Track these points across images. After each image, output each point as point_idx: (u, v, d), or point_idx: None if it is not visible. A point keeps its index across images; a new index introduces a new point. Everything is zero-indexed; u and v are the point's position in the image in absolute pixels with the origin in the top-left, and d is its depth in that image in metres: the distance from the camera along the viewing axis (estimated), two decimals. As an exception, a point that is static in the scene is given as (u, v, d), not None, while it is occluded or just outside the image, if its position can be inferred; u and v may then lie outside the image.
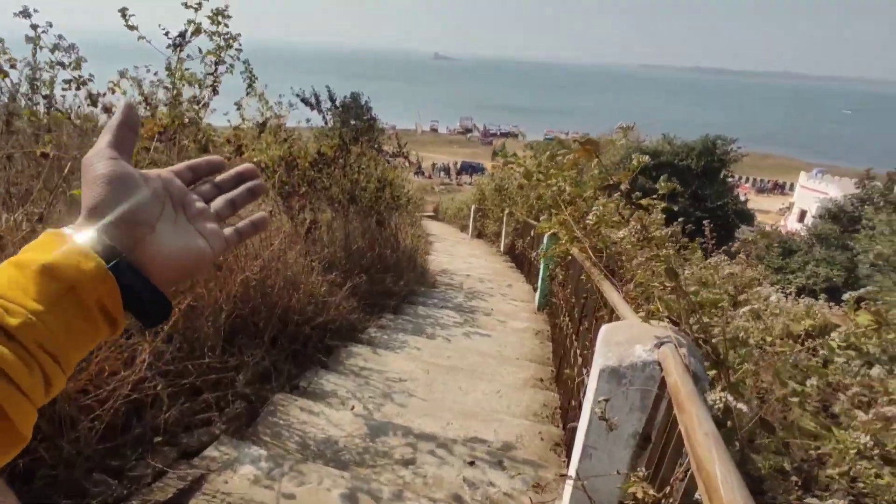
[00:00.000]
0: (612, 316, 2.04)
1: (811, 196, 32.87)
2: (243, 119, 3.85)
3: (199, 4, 2.64)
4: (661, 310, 1.28)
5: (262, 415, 2.74)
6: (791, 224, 33.09)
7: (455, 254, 10.53)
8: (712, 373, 1.27)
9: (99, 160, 0.50)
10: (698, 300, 1.17)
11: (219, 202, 0.61)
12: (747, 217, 18.07)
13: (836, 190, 28.26)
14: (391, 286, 5.51)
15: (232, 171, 0.64)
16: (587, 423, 1.33)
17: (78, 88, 2.86)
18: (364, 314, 4.61)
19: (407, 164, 8.34)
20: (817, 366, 1.18)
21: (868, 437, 1.07)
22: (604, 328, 1.41)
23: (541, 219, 3.92)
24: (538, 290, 6.29)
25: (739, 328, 1.19)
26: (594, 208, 2.23)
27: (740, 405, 0.90)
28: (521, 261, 8.92)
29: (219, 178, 0.63)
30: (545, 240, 6.06)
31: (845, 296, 1.26)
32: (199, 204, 0.59)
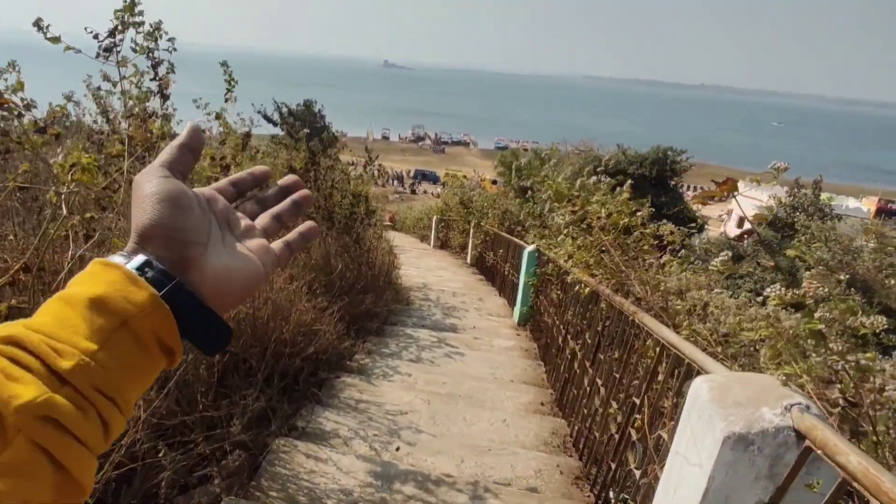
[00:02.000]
0: (663, 354, 1.94)
1: (748, 203, 34.68)
2: (227, 132, 3.55)
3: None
4: (799, 373, 1.17)
5: (264, 465, 2.48)
6: (732, 230, 34.79)
7: (422, 266, 10.34)
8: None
9: (149, 178, 0.47)
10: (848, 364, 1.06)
11: (264, 218, 0.58)
12: (699, 225, 18.73)
13: (771, 198, 29.92)
14: (372, 307, 5.27)
15: (276, 187, 0.61)
16: (702, 492, 1.19)
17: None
18: (350, 340, 4.36)
19: (375, 175, 8.12)
20: None
21: None
22: (707, 384, 1.29)
23: (557, 238, 3.82)
24: (517, 305, 6.20)
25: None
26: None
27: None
28: (493, 274, 8.83)
29: (261, 194, 0.60)
30: (525, 255, 5.98)
31: None
32: (245, 221, 0.56)
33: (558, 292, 4.18)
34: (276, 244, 0.57)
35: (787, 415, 1.12)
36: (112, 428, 0.40)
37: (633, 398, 2.18)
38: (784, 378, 1.13)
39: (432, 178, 49.29)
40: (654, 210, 3.11)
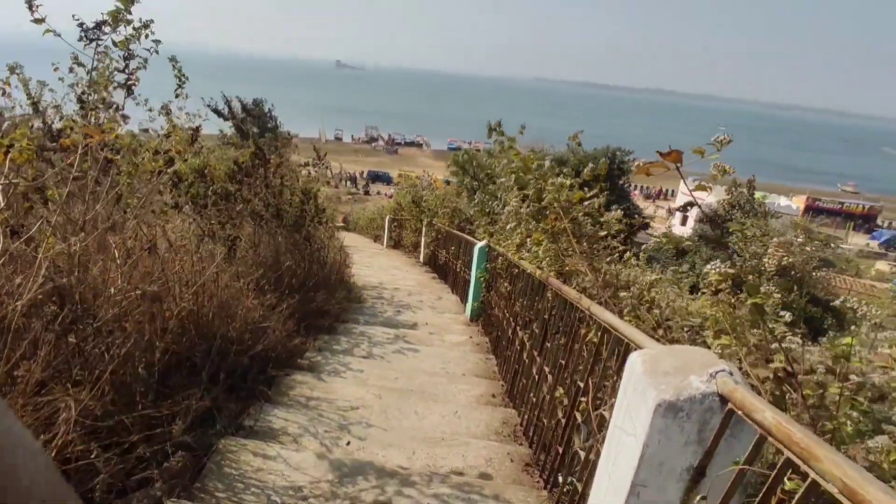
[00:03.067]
0: (605, 336, 2.00)
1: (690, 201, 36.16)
2: (174, 126, 3.41)
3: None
4: (731, 344, 1.23)
5: (209, 465, 2.41)
6: (677, 227, 36.19)
7: (375, 265, 10.27)
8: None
9: None
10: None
11: None
12: (644, 222, 19.59)
13: (713, 196, 31.36)
14: (323, 305, 5.20)
15: None
16: (637, 460, 1.24)
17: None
18: (301, 337, 4.29)
19: (324, 173, 8.00)
20: None
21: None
22: (640, 357, 1.34)
23: (505, 231, 3.86)
24: (469, 301, 6.25)
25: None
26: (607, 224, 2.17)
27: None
28: (445, 271, 8.87)
29: None
30: (476, 251, 6.04)
31: (883, 335, 1.29)
32: None
33: (507, 285, 4.25)
34: None
35: (712, 381, 1.19)
36: None
37: (578, 382, 2.24)
38: (720, 350, 1.20)
39: (385, 179, 49.00)
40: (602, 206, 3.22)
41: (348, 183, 48.55)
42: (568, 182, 2.89)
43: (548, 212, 2.80)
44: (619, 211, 2.34)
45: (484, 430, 3.27)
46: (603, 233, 2.19)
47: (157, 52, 2.57)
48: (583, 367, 2.25)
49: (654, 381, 1.24)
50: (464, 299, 6.84)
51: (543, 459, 2.73)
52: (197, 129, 3.19)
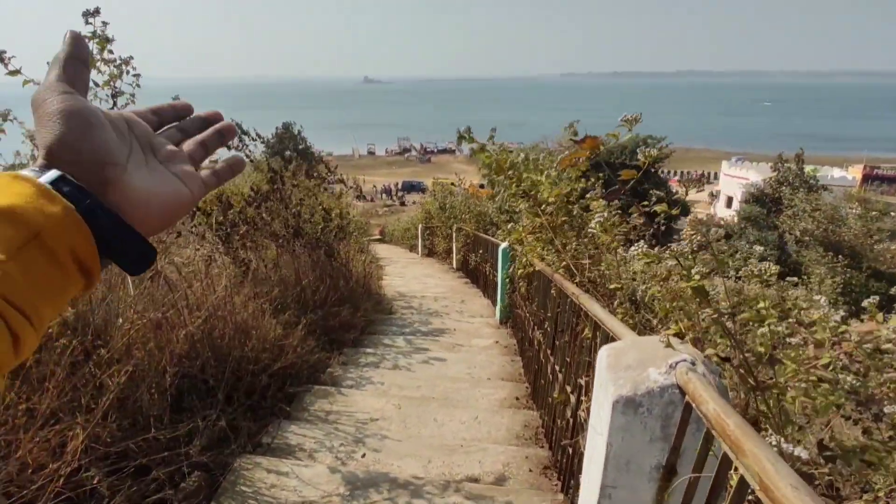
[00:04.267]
0: (597, 331, 1.93)
1: (735, 182, 34.86)
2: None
3: (93, 34, 2.34)
4: (684, 329, 1.16)
5: (224, 484, 2.45)
6: (720, 211, 34.87)
7: (408, 275, 10.33)
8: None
9: (51, 95, 0.44)
10: (742, 318, 1.06)
11: (189, 145, 0.56)
12: (684, 208, 18.92)
13: (756, 175, 30.10)
14: (348, 318, 5.25)
15: (195, 116, 0.59)
16: (603, 460, 1.18)
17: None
18: (324, 352, 4.34)
19: (346, 188, 8.11)
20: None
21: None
22: (606, 351, 1.28)
23: (509, 228, 3.81)
24: (498, 304, 6.19)
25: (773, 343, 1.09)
26: (596, 216, 2.10)
27: (797, 450, 0.78)
28: (476, 275, 8.83)
29: (182, 123, 0.58)
30: (500, 253, 5.99)
31: (865, 302, 1.19)
32: (170, 146, 0.54)
33: (525, 284, 4.18)
34: (205, 172, 0.55)
35: (671, 373, 1.11)
36: (23, 342, 0.38)
37: (580, 380, 2.17)
38: (669, 337, 1.13)
39: (420, 188, 49.35)
40: (636, 198, 3.09)
41: (384, 196, 49.18)
42: (552, 174, 2.81)
43: (544, 207, 2.73)
44: (613, 205, 2.24)
45: (505, 435, 3.21)
46: (592, 225, 2.11)
47: (138, 85, 2.66)
48: (586, 364, 2.17)
49: (614, 376, 1.18)
50: (494, 302, 6.78)
51: (561, 461, 2.65)
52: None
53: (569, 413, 2.38)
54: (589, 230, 2.48)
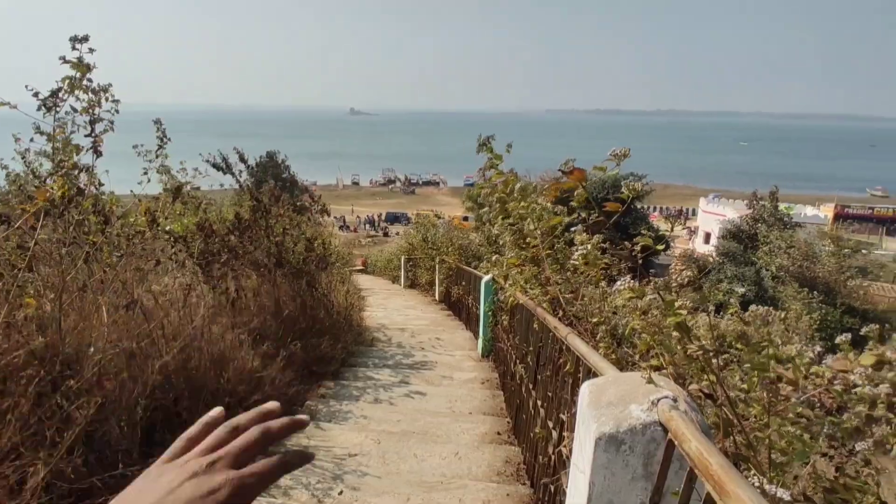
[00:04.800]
0: (579, 366, 1.92)
1: (712, 219, 35.65)
2: (164, 185, 3.52)
3: (80, 59, 2.35)
4: (665, 364, 1.16)
5: (193, 524, 2.35)
6: (698, 246, 35.49)
7: (390, 307, 10.25)
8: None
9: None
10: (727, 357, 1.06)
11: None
12: (665, 243, 19.23)
13: (733, 212, 30.83)
14: (328, 350, 5.17)
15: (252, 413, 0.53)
16: (586, 499, 1.16)
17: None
18: (303, 384, 4.26)
19: (328, 218, 8.08)
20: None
21: None
22: (588, 387, 1.27)
23: (492, 260, 3.83)
24: (480, 337, 6.16)
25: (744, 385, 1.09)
26: (579, 248, 2.11)
27: (780, 492, 0.78)
28: (459, 307, 8.79)
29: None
30: (482, 285, 5.99)
31: (838, 339, 1.21)
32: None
33: (507, 317, 4.17)
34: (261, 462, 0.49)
35: (653, 410, 1.11)
36: None
37: (562, 415, 2.15)
38: (649, 371, 1.13)
39: (404, 220, 49.51)
40: (618, 232, 3.12)
41: (367, 226, 49.17)
42: (542, 204, 2.84)
43: (528, 239, 2.75)
44: (596, 238, 2.26)
45: (485, 471, 3.14)
46: (575, 257, 2.12)
47: (117, 111, 2.66)
48: (567, 399, 2.15)
49: (596, 413, 1.17)
50: (476, 335, 6.74)
51: (542, 499, 2.60)
52: (178, 189, 3.26)
53: (551, 449, 2.35)
54: (571, 263, 2.50)
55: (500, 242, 3.82)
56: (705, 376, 1.13)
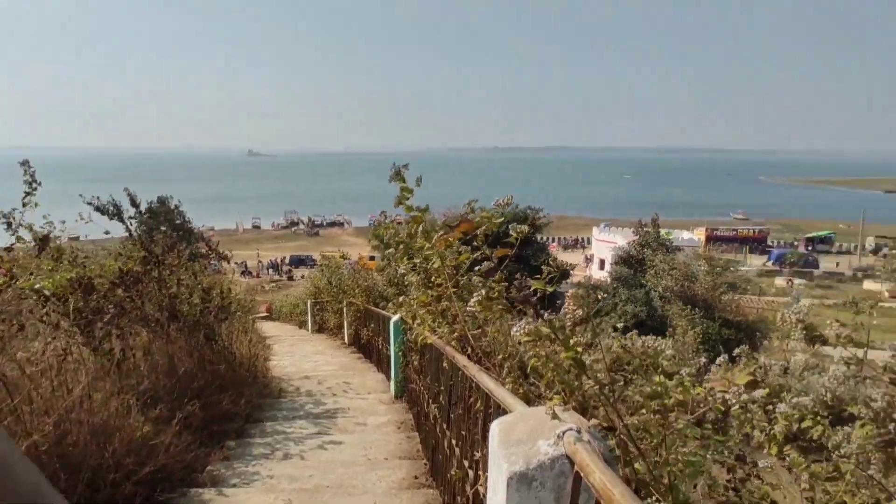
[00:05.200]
0: (489, 402, 1.95)
1: (605, 246, 38.30)
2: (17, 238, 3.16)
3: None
4: (568, 399, 1.21)
5: None
6: (595, 273, 37.80)
7: (298, 354, 9.83)
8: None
9: None
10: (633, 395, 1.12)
11: None
12: (565, 273, 20.48)
13: (622, 239, 33.33)
14: (231, 407, 4.83)
15: None
16: (503, 542, 1.16)
17: None
18: (203, 448, 3.92)
19: (228, 264, 7.70)
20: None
21: None
22: (497, 426, 1.29)
23: (399, 301, 3.81)
24: (392, 378, 6.06)
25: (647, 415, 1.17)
26: (475, 295, 2.15)
27: None
28: (369, 350, 8.63)
29: None
30: (391, 326, 5.93)
31: (718, 359, 1.33)
32: None
33: (417, 357, 4.16)
34: None
35: (560, 443, 1.15)
36: None
37: (476, 454, 2.16)
38: (554, 408, 1.17)
39: (309, 262, 48.14)
40: (520, 264, 3.23)
41: (271, 271, 47.27)
42: (449, 241, 2.90)
43: (434, 278, 2.79)
44: (491, 282, 2.34)
45: (404, 519, 3.06)
46: (472, 303, 2.18)
47: None
48: (479, 438, 2.17)
49: (506, 452, 1.19)
50: (389, 377, 6.63)
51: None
52: (45, 239, 2.96)
53: (468, 489, 2.34)
54: (474, 300, 2.56)
55: (406, 282, 3.83)
56: (609, 413, 1.20)
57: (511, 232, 1.92)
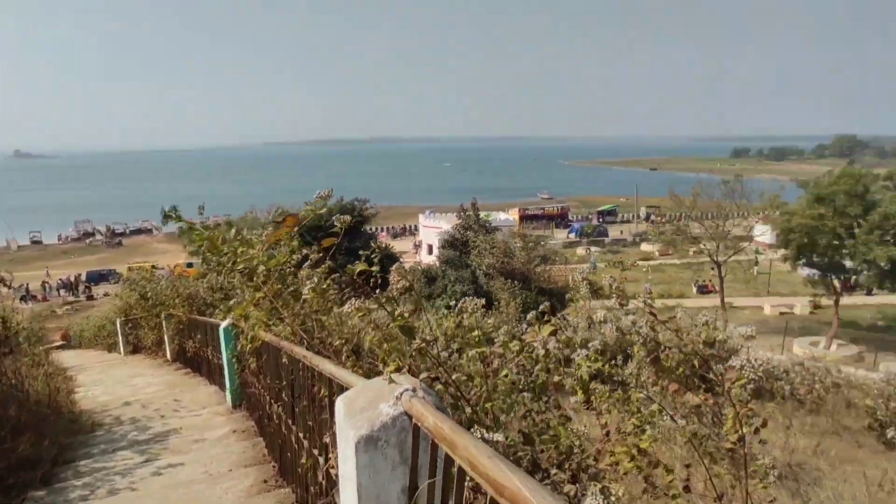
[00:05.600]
0: (332, 386, 2.04)
1: (431, 232, 40.07)
2: None
3: None
4: (402, 364, 1.35)
5: None
6: (425, 258, 39.38)
7: (111, 380, 8.70)
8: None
9: None
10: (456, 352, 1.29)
11: None
12: (394, 259, 21.08)
13: (447, 224, 35.21)
14: (31, 452, 4.16)
15: None
16: (356, 501, 1.28)
17: None
18: (-2, 505, 3.35)
19: (6, 289, 6.52)
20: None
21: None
22: (341, 401, 1.40)
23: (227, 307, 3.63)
24: (227, 387, 5.74)
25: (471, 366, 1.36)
26: (308, 282, 2.18)
27: (496, 436, 1.03)
28: (198, 362, 7.99)
29: None
30: (221, 333, 5.60)
31: (528, 316, 1.59)
32: None
33: (255, 359, 4.04)
34: None
35: (398, 403, 1.30)
36: None
37: (326, 440, 2.23)
38: (390, 374, 1.31)
39: (112, 277, 42.10)
40: (350, 256, 3.25)
41: (62, 292, 40.43)
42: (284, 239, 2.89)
43: (262, 279, 2.75)
44: (320, 270, 2.41)
45: (257, 525, 3.00)
46: (306, 291, 2.24)
47: None
48: (328, 420, 2.24)
49: (352, 422, 1.30)
50: (223, 387, 6.25)
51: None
52: None
53: (320, 476, 2.40)
54: (306, 292, 2.60)
55: (230, 287, 3.68)
56: (435, 367, 1.37)
57: (335, 223, 2.01)
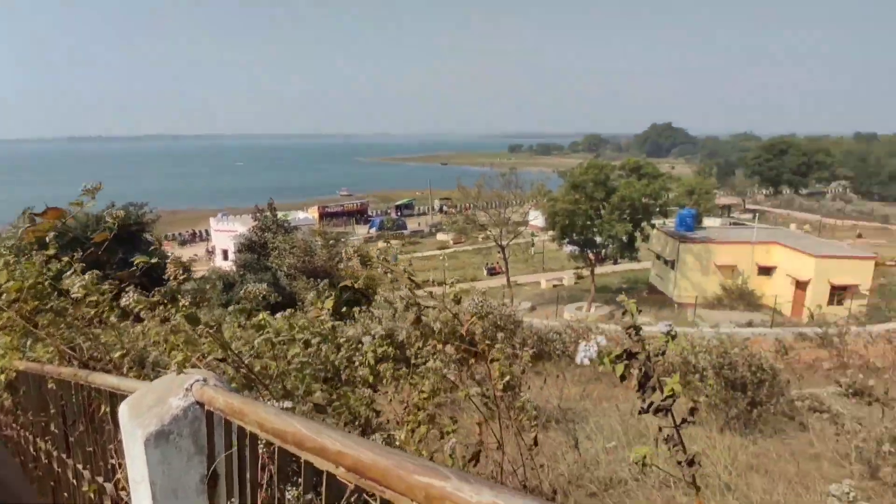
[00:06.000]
0: (116, 398, 1.90)
1: (226, 236, 37.21)
2: None
3: None
4: (191, 355, 1.35)
5: None
6: (220, 264, 36.41)
7: None
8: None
9: None
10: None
11: None
12: (186, 268, 19.07)
13: (242, 226, 33.04)
14: None
15: None
16: (152, 501, 1.28)
17: None
18: None
19: None
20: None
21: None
22: (125, 405, 1.36)
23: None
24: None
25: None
26: (77, 282, 1.95)
27: (285, 403, 1.14)
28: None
29: None
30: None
31: (308, 298, 1.69)
32: None
33: (9, 395, 3.42)
34: None
35: (189, 394, 1.32)
36: None
37: (111, 460, 2.06)
38: (178, 364, 1.33)
39: None
40: (127, 267, 2.89)
41: None
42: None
43: (7, 300, 2.38)
44: (88, 277, 2.19)
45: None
46: (75, 289, 2.03)
47: None
48: (112, 433, 2.07)
49: (139, 421, 1.29)
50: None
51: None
52: None
53: (109, 501, 2.20)
54: (73, 297, 2.34)
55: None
56: (224, 350, 1.41)
57: (107, 217, 1.88)
